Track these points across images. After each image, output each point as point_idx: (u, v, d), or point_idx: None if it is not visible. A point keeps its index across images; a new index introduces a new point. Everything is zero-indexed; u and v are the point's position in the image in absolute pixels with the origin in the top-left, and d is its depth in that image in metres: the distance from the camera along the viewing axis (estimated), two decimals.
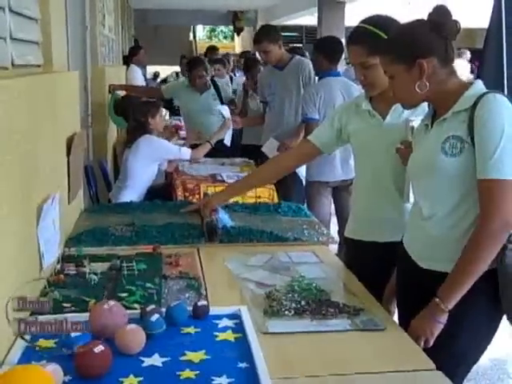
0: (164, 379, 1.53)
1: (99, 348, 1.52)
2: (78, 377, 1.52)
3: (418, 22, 1.91)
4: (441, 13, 1.87)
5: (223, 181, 4.23)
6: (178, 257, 2.47)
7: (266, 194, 4.07)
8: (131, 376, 1.53)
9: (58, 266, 2.30)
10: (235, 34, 20.29)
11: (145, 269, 2.32)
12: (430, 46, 1.87)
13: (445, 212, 1.87)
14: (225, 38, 28.08)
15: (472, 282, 1.79)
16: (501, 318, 1.88)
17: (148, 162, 4.13)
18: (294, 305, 1.96)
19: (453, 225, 1.86)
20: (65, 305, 1.97)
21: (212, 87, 5.65)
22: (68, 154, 2.73)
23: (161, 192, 4.41)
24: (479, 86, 1.88)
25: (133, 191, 4.02)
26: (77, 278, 2.22)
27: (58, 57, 2.88)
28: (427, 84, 1.89)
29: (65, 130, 2.76)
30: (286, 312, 1.92)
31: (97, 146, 5.03)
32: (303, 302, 1.98)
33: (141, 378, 1.52)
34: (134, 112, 4.22)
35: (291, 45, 10.86)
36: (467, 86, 1.89)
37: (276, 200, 4.06)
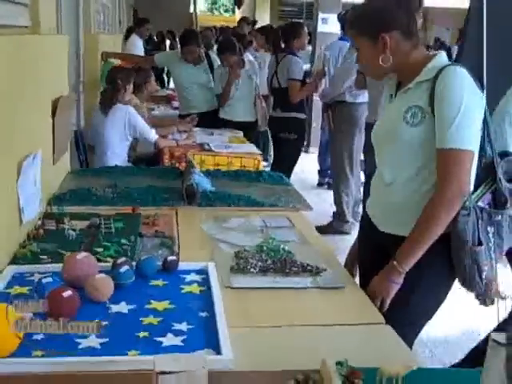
0: (128, 324, 1.63)
1: (67, 293, 1.61)
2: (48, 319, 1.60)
3: None
4: None
5: (210, 150, 4.31)
6: (155, 217, 2.56)
7: (251, 164, 4.14)
8: (95, 319, 1.62)
9: (39, 222, 2.39)
10: (236, 7, 20.19)
11: (122, 227, 2.41)
12: (392, 20, 1.94)
13: (405, 179, 1.96)
14: (226, 11, 27.89)
15: (427, 246, 1.87)
16: (454, 279, 1.98)
17: (124, 135, 4.15)
18: (259, 263, 2.05)
19: (412, 191, 1.95)
20: (42, 257, 2.07)
21: (205, 60, 5.70)
22: (53, 115, 2.79)
23: (150, 161, 4.49)
24: (442, 58, 1.95)
25: (116, 157, 4.07)
26: (56, 233, 2.31)
27: (46, 20, 2.94)
28: (390, 57, 1.95)
29: (50, 92, 2.82)
30: (252, 269, 2.01)
31: (88, 112, 5.08)
32: (269, 261, 2.07)
33: (106, 323, 1.61)
34: (114, 74, 4.26)
35: (291, 20, 10.82)
36: (431, 57, 1.96)
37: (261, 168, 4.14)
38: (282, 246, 2.24)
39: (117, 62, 5.71)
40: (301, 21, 13.99)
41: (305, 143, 7.76)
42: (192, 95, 5.58)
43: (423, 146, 1.90)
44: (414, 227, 1.90)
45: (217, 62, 5.76)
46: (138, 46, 8.41)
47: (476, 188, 1.94)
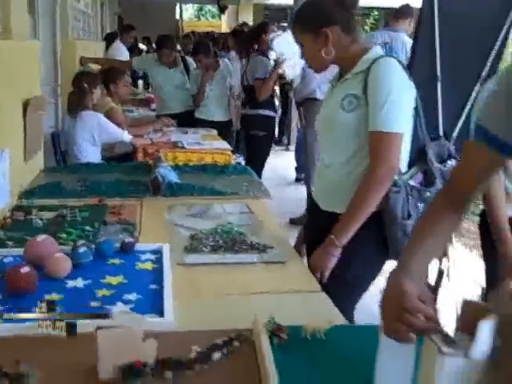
0: (82, 296, 1.77)
1: (25, 269, 1.76)
2: (8, 294, 1.75)
3: None
4: None
5: (183, 147, 4.47)
6: (121, 208, 2.71)
7: (222, 159, 4.29)
8: (54, 294, 1.77)
9: (8, 214, 2.53)
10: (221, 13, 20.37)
11: (87, 216, 2.56)
12: (332, 16, 2.10)
13: (342, 161, 2.12)
14: (212, 17, 28.10)
15: (362, 221, 2.04)
16: (387, 253, 2.13)
17: (94, 141, 4.26)
18: (212, 243, 2.21)
19: (349, 172, 2.11)
20: (8, 243, 2.21)
21: (181, 63, 5.88)
22: (24, 115, 2.95)
23: (124, 159, 4.63)
24: (376, 51, 2.12)
25: (89, 159, 4.18)
26: (23, 223, 2.45)
27: (17, 27, 3.09)
28: (332, 50, 2.12)
29: (21, 93, 2.98)
30: (204, 248, 2.17)
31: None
32: (221, 241, 2.22)
33: (62, 295, 1.76)
34: (78, 79, 4.39)
35: (278, 23, 11.00)
36: (367, 50, 2.13)
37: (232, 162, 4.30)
38: (235, 228, 2.39)
39: (95, 66, 5.87)
40: (285, 24, 14.23)
41: (277, 139, 7.91)
42: (168, 96, 5.75)
43: (357, 131, 2.06)
44: (349, 204, 2.06)
45: (192, 64, 5.93)
46: (122, 52, 8.53)
47: (409, 168, 2.10)
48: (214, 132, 5.25)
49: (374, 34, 6.22)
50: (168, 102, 5.74)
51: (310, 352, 1.47)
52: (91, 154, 4.29)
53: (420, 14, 4.10)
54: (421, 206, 2.05)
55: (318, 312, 1.76)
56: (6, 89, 2.67)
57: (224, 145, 4.69)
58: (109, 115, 4.85)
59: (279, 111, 9.66)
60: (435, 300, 1.09)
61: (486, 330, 0.93)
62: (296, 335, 1.53)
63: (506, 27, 3.87)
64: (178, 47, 7.29)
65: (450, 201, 1.32)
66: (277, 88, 9.31)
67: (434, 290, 1.18)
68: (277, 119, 9.70)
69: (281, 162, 7.99)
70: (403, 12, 5.59)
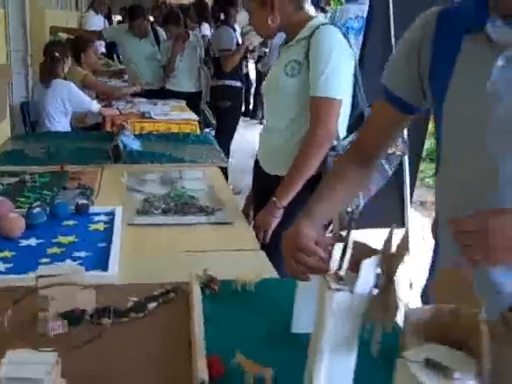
0: (33, 254, 1.88)
1: None
2: None
3: None
4: None
5: (151, 117, 4.55)
6: (81, 174, 2.81)
7: (188, 129, 4.39)
8: (6, 251, 1.88)
9: None
10: None
11: (47, 182, 2.66)
12: None
13: (283, 125, 2.24)
14: None
15: (302, 183, 2.16)
16: None
17: (64, 108, 4.34)
18: (163, 206, 2.32)
19: (290, 136, 2.23)
20: None
21: (152, 34, 5.92)
22: None
23: (96, 130, 4.71)
24: (319, 19, 2.23)
25: (57, 128, 4.27)
26: None
27: None
28: (278, 17, 2.22)
29: None
30: (155, 211, 2.28)
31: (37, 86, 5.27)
32: (172, 204, 2.34)
33: (14, 253, 1.87)
34: (50, 48, 4.45)
35: None
36: (311, 18, 2.23)
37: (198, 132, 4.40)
38: (188, 193, 2.51)
39: (66, 36, 5.90)
40: None
41: (252, 113, 7.97)
42: (139, 67, 5.80)
43: (299, 96, 2.17)
44: (290, 167, 2.18)
45: (163, 35, 5.98)
46: (93, 21, 8.50)
47: (348, 134, 2.22)
48: (183, 103, 5.33)
49: (348, 6, 6.27)
50: (139, 73, 5.79)
51: (240, 302, 1.60)
52: (61, 123, 4.37)
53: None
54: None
55: (254, 269, 1.87)
56: None
57: (191, 115, 4.78)
58: (85, 83, 4.94)
59: (254, 84, 9.74)
60: (333, 245, 1.20)
61: (368, 268, 1.05)
62: (228, 287, 1.66)
63: None
64: (151, 18, 7.30)
65: (357, 156, 1.43)
66: (252, 61, 9.39)
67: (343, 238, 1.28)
68: (251, 92, 9.80)
69: (254, 136, 8.08)
70: None
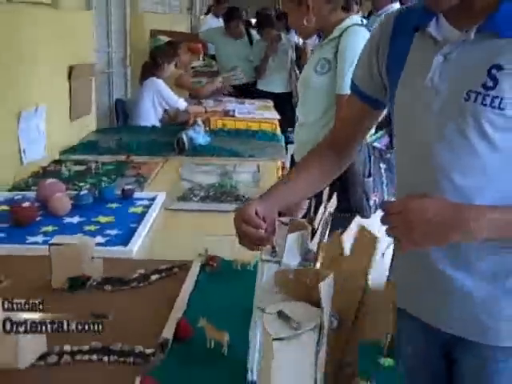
0: (72, 230, 2.09)
1: (26, 204, 2.11)
2: (13, 225, 2.10)
3: None
4: None
5: (233, 115, 4.75)
6: (144, 164, 3.03)
7: (268, 127, 4.52)
8: (50, 226, 2.11)
9: (45, 165, 2.91)
10: None
11: (110, 169, 2.90)
12: None
13: (313, 119, 2.34)
14: None
15: None
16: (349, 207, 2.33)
17: (152, 103, 4.64)
18: (202, 194, 2.48)
19: (319, 130, 2.32)
20: (33, 187, 2.57)
21: (246, 35, 6.15)
22: (69, 78, 3.32)
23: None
24: (351, 20, 2.31)
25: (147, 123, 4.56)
26: (53, 173, 2.81)
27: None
28: (313, 18, 2.33)
29: (68, 59, 3.34)
30: (193, 198, 2.45)
31: (135, 84, 5.63)
32: (211, 193, 2.49)
33: (56, 228, 2.10)
34: (155, 53, 4.76)
35: None
36: (344, 19, 2.32)
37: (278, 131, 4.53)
38: (231, 183, 2.65)
39: (165, 38, 6.22)
40: None
41: None
42: (231, 68, 6.02)
43: (327, 92, 2.27)
44: None
45: (256, 37, 6.19)
46: (211, 25, 8.82)
47: (376, 131, 2.29)
48: (270, 103, 5.47)
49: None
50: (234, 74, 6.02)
51: (237, 279, 1.72)
52: (149, 118, 4.67)
53: None
54: (383, 166, 2.24)
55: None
56: (51, 55, 3.04)
57: (274, 115, 4.91)
58: (178, 83, 5.22)
59: None
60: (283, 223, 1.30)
61: (292, 241, 1.16)
62: (229, 266, 1.79)
63: None
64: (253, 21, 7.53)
65: (331, 146, 1.52)
66: None
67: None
68: None
69: None
70: None
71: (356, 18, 2.34)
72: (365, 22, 2.39)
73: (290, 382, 0.88)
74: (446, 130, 1.21)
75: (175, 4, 8.45)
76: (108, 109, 5.30)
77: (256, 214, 1.30)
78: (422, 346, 1.39)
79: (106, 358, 1.32)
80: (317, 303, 0.89)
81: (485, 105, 1.17)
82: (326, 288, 0.85)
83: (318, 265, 1.12)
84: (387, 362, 1.34)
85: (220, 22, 8.96)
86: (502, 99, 1.16)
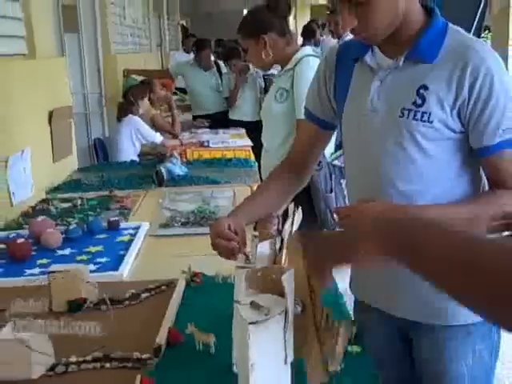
0: (65, 260, 2.27)
1: (20, 240, 2.29)
2: (10, 260, 2.28)
3: (258, 7, 2.58)
4: None
5: (208, 146, 4.97)
6: (126, 197, 3.22)
7: (242, 155, 4.74)
8: (44, 259, 2.29)
9: (33, 204, 3.09)
10: None
11: (95, 204, 3.08)
12: (268, 24, 2.54)
13: (276, 145, 2.56)
14: None
15: None
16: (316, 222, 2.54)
17: (130, 140, 4.86)
18: (183, 220, 2.67)
19: (282, 155, 2.52)
20: (25, 226, 2.74)
21: (215, 67, 6.42)
22: (50, 122, 3.51)
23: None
24: (305, 51, 2.55)
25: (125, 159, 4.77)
26: (42, 211, 2.99)
27: (42, 47, 3.66)
28: (270, 53, 2.56)
29: (47, 103, 3.54)
30: (175, 224, 2.64)
31: (111, 123, 5.84)
32: (192, 219, 2.69)
33: (50, 260, 2.27)
34: (127, 92, 5.00)
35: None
36: (298, 50, 2.55)
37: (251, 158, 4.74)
38: (210, 208, 2.85)
39: (138, 77, 6.45)
40: None
41: None
42: (204, 98, 6.31)
43: (287, 119, 2.50)
44: None
45: (224, 68, 6.46)
46: (176, 59, 9.13)
47: (335, 150, 2.51)
48: (243, 131, 5.71)
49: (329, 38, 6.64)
50: (203, 103, 6.29)
51: (219, 292, 1.91)
52: (129, 154, 4.88)
53: None
54: (343, 182, 2.46)
55: None
56: (31, 101, 3.24)
57: (246, 142, 5.14)
58: (153, 121, 5.45)
59: None
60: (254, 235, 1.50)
61: (262, 249, 1.35)
62: (211, 280, 1.98)
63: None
64: None
65: (288, 166, 1.74)
66: None
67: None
68: None
69: None
70: None
71: (308, 49, 2.58)
72: (317, 50, 2.64)
73: (263, 360, 1.07)
74: (386, 143, 1.43)
75: (145, 42, 8.71)
76: (87, 147, 5.50)
77: (229, 228, 1.50)
78: (382, 332, 1.60)
79: (107, 365, 1.50)
80: (282, 294, 1.09)
81: (416, 119, 1.40)
82: (287, 280, 1.05)
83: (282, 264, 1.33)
84: (355, 348, 1.53)
85: (188, 56, 9.28)
86: (430, 114, 1.39)
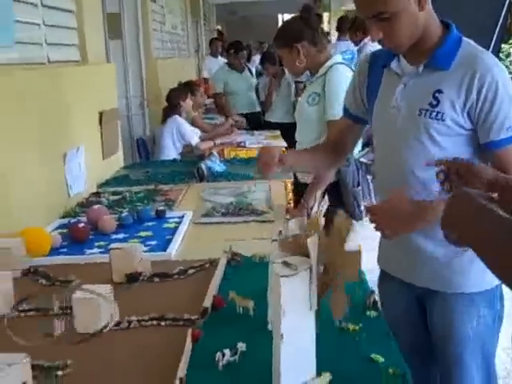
0: (119, 243, 2.57)
1: (81, 224, 2.60)
2: (71, 242, 2.58)
3: (292, 18, 2.86)
4: (305, 9, 2.81)
5: (245, 146, 5.26)
6: (170, 191, 3.51)
7: None
8: (101, 242, 2.59)
9: (86, 196, 3.41)
10: None
11: (142, 197, 3.38)
12: (301, 34, 2.81)
13: (309, 144, 2.81)
14: None
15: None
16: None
17: (172, 140, 5.18)
18: (222, 210, 2.95)
19: None
20: (81, 214, 3.05)
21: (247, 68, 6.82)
22: (100, 122, 3.84)
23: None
24: (333, 60, 2.81)
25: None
26: (95, 202, 3.30)
27: (93, 55, 3.98)
28: (304, 60, 2.83)
29: (98, 106, 3.87)
30: (216, 213, 2.92)
31: (152, 124, 6.19)
32: (231, 209, 2.97)
33: (107, 242, 2.57)
34: (169, 96, 5.32)
35: None
36: (329, 58, 2.82)
37: None
38: (247, 201, 3.13)
39: None
40: None
41: None
42: (241, 98, 6.63)
43: (318, 121, 2.76)
44: None
45: (252, 70, 6.82)
46: (209, 66, 9.45)
47: (363, 148, 2.78)
48: (277, 132, 5.98)
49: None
50: (239, 103, 6.61)
51: (256, 270, 2.18)
52: (170, 152, 5.20)
53: None
54: (369, 177, 2.72)
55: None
56: (84, 104, 3.56)
57: (280, 143, 5.41)
58: (193, 123, 5.76)
59: None
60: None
61: (292, 225, 1.62)
62: (249, 260, 2.26)
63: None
64: None
65: (325, 145, 2.06)
66: None
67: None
68: None
69: None
70: None
71: (337, 57, 2.85)
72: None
73: (292, 307, 1.34)
74: (407, 138, 1.72)
75: (184, 47, 9.06)
76: (130, 147, 5.83)
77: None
78: (401, 299, 1.88)
79: (163, 323, 1.78)
80: (308, 255, 1.36)
81: (432, 118, 1.69)
82: (312, 244, 1.32)
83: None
84: (372, 313, 1.79)
85: (216, 61, 9.59)
86: (443, 114, 1.67)
